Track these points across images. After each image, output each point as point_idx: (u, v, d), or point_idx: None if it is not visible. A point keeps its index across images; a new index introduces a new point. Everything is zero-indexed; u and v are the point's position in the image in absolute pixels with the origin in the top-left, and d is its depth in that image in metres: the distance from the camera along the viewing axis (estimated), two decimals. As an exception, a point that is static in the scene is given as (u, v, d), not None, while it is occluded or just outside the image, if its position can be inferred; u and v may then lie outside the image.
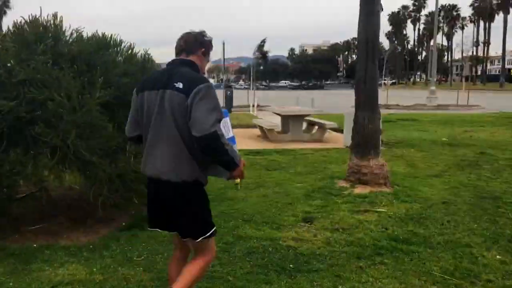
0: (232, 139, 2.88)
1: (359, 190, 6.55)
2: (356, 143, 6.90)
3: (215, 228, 2.81)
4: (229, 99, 24.10)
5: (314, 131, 13.41)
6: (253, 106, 24.20)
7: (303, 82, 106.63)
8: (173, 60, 2.81)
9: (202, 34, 2.86)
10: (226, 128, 2.80)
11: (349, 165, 6.97)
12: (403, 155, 9.94)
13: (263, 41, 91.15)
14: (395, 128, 15.19)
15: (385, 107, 28.92)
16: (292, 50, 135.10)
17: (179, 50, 2.81)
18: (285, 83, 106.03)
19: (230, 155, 2.58)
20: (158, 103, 2.62)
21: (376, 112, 6.84)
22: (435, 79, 35.78)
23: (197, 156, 2.60)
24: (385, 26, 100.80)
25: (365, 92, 6.77)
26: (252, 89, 33.71)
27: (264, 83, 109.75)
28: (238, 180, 2.84)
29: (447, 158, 9.55)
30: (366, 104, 6.78)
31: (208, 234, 2.74)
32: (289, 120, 13.26)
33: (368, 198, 6.20)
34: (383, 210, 5.71)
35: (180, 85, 2.57)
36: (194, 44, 2.79)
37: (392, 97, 32.35)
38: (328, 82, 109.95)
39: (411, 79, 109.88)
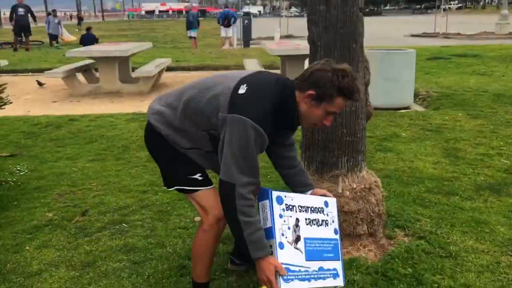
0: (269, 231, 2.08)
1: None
2: (308, 142, 3.08)
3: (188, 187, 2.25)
4: (246, 29, 19.99)
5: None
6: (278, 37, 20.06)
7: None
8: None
9: (336, 72, 2.01)
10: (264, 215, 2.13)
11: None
12: (442, 126, 5.91)
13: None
14: (444, 70, 10.83)
15: (444, 37, 24.00)
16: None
17: None
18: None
19: (236, 229, 2.02)
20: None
21: (356, 66, 2.92)
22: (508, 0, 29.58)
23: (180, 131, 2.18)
24: None
25: (330, 18, 2.84)
26: (285, 16, 29.06)
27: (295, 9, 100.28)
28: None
29: (521, 135, 5.48)
30: (332, 46, 2.87)
31: (172, 188, 2.30)
32: (286, 62, 9.35)
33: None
34: None
35: (243, 89, 2.04)
36: (306, 79, 2.06)
37: (454, 24, 26.90)
38: (387, 7, 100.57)
39: (480, 2, 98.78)
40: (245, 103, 2.01)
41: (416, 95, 7.84)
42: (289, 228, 2.15)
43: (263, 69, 2.08)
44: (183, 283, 2.64)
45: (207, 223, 2.22)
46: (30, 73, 11.94)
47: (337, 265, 2.28)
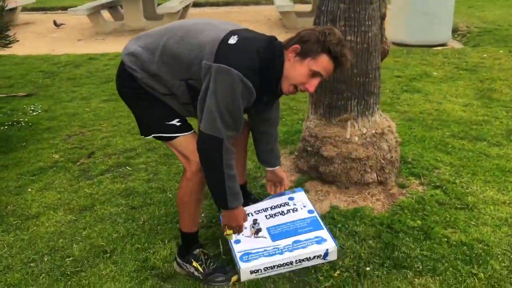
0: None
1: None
2: (314, 82, 2.84)
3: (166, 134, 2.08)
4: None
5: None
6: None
7: None
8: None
9: (323, 30, 1.91)
10: None
11: (304, 130, 3.00)
12: (479, 65, 5.47)
13: None
14: (491, 3, 10.01)
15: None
16: None
17: None
18: None
19: (218, 181, 1.93)
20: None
21: None
22: None
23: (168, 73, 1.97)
24: None
25: None
26: None
27: None
28: (229, 231, 2.13)
29: None
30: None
31: (150, 136, 2.14)
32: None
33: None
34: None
35: (233, 39, 1.88)
36: (293, 38, 1.94)
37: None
38: None
39: None
40: (234, 53, 1.86)
41: (455, 30, 7.29)
42: (245, 228, 2.24)
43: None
44: (177, 229, 2.54)
45: (190, 171, 2.06)
46: (60, 11, 11.83)
47: (321, 233, 2.27)
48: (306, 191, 2.76)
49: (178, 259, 2.21)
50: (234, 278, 2.14)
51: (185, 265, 2.18)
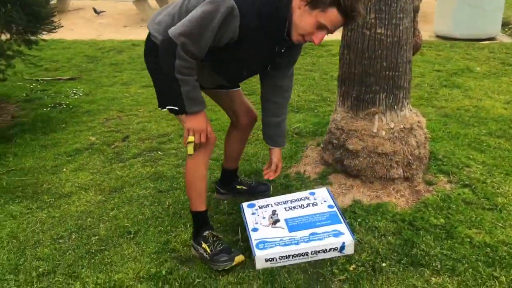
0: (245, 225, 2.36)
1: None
2: (344, 76, 2.82)
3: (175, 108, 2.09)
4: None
5: None
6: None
7: None
8: None
9: None
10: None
11: (330, 123, 2.98)
12: (527, 62, 5.24)
13: None
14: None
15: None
16: None
17: None
18: None
19: (174, 85, 1.95)
20: None
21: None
22: None
23: None
24: None
25: None
26: None
27: None
28: (191, 138, 2.04)
29: None
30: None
31: (165, 108, 2.16)
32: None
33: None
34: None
35: None
36: None
37: None
38: None
39: None
40: None
41: (505, 24, 6.99)
42: (264, 218, 2.39)
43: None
44: (200, 215, 2.61)
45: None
46: (109, -3, 12.11)
47: (339, 227, 2.29)
48: (330, 184, 2.77)
49: (192, 242, 2.28)
50: (238, 258, 2.17)
51: (197, 247, 2.24)
